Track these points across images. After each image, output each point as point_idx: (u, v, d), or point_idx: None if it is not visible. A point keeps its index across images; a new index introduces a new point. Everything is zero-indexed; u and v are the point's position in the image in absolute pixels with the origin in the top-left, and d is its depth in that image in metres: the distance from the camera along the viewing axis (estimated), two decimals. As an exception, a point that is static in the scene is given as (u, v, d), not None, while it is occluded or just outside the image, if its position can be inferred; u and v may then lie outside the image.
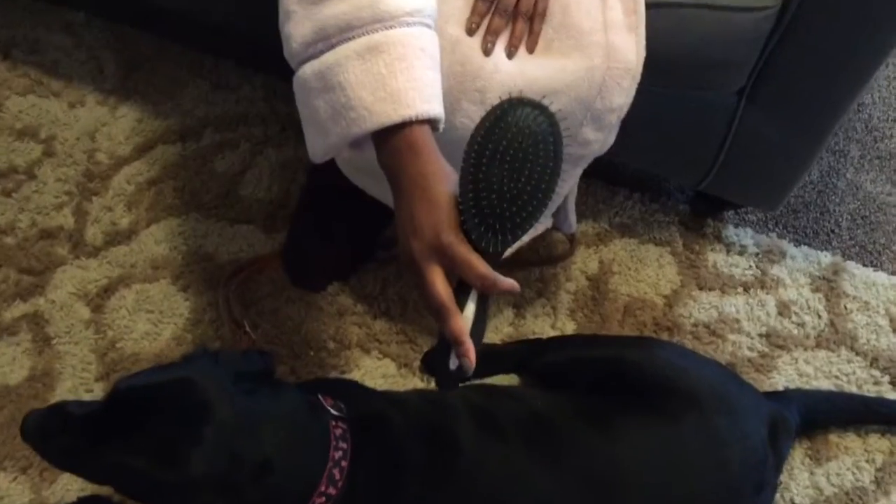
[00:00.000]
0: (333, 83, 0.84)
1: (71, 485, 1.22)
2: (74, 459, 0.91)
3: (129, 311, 1.39)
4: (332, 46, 0.84)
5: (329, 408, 1.01)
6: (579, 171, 1.18)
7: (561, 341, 1.31)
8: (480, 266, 0.80)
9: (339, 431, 0.98)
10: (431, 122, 0.85)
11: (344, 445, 0.98)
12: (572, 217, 1.32)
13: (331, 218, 1.37)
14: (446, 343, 0.82)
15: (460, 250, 0.79)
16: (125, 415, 0.88)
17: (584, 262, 1.45)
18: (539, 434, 1.07)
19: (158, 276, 1.42)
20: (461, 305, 0.82)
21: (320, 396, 1.02)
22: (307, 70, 0.87)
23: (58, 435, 0.90)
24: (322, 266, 1.41)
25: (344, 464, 0.96)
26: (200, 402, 0.89)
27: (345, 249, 1.41)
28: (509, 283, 0.81)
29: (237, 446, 0.88)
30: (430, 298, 0.81)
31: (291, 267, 1.41)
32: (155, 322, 1.38)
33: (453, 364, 0.83)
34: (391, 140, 0.83)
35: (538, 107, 0.81)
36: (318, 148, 0.89)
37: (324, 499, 0.94)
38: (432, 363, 1.11)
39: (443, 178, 0.82)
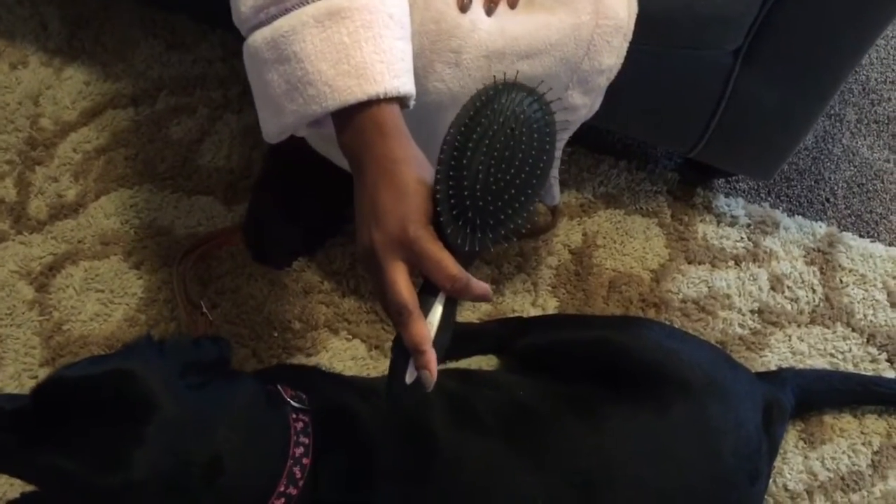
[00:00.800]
0: (288, 53, 0.74)
1: (14, 480, 1.13)
2: (3, 459, 0.81)
3: (76, 291, 1.28)
4: (287, 10, 0.75)
5: (289, 399, 0.93)
6: (564, 139, 1.09)
7: (542, 322, 1.23)
8: (451, 266, 0.71)
9: (300, 425, 0.90)
10: (401, 100, 0.75)
11: (305, 440, 0.89)
12: (555, 188, 1.23)
13: (295, 189, 1.28)
14: (404, 351, 0.73)
15: (429, 246, 0.70)
16: (57, 412, 0.79)
17: (567, 234, 1.36)
18: (521, 425, 0.99)
19: (109, 252, 1.32)
20: (425, 310, 0.73)
21: (279, 387, 0.94)
22: (258, 38, 0.77)
23: None
24: (286, 241, 1.31)
25: (305, 461, 0.88)
26: (141, 397, 0.79)
27: (311, 223, 1.31)
28: (483, 287, 0.73)
29: (184, 445, 0.80)
30: (391, 298, 0.71)
31: (253, 242, 1.32)
32: (105, 302, 1.28)
33: (410, 377, 0.73)
34: (355, 119, 0.73)
35: (532, 93, 0.72)
36: (271, 127, 0.79)
37: (283, 500, 0.86)
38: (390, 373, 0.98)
39: (413, 163, 0.73)
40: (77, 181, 1.38)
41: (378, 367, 1.25)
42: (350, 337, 1.27)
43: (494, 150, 0.70)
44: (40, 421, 0.78)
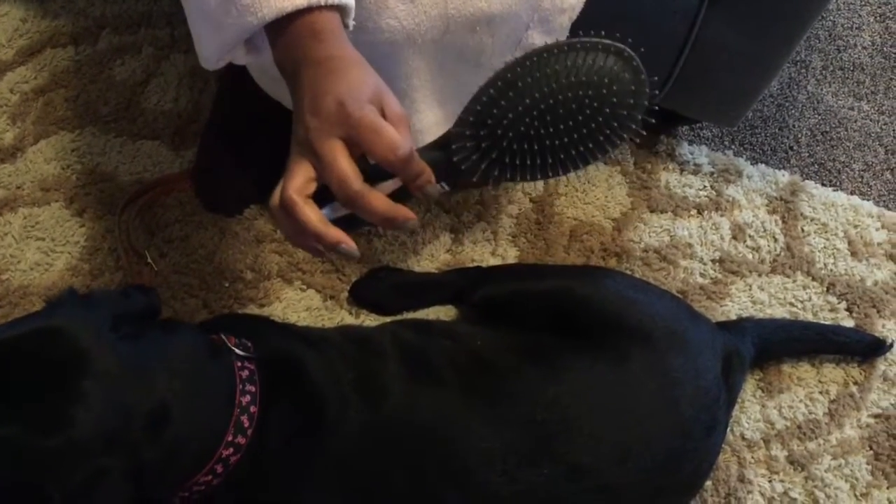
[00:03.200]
0: None
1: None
2: None
3: (15, 239, 1.22)
4: None
5: (233, 347, 0.89)
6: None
7: (502, 271, 1.20)
8: (394, 135, 0.66)
9: (245, 373, 0.87)
10: (340, 10, 0.71)
11: (252, 388, 0.86)
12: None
13: (246, 133, 1.23)
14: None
15: (370, 116, 0.66)
16: None
17: (529, 183, 1.33)
18: (478, 376, 0.97)
19: (49, 198, 1.26)
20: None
21: (222, 336, 0.90)
22: None
23: None
24: (237, 187, 1.26)
25: (253, 409, 0.85)
26: (72, 353, 0.75)
27: (262, 169, 1.25)
28: (423, 165, 0.69)
29: (124, 398, 0.76)
30: (334, 179, 0.66)
31: (202, 189, 1.27)
32: (46, 251, 1.22)
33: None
34: (290, 30, 0.69)
35: (637, 73, 0.71)
36: (208, 48, 0.75)
37: (231, 450, 0.83)
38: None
39: (357, 62, 0.69)
40: (14, 124, 1.31)
41: (333, 318, 1.21)
42: (304, 287, 1.23)
43: (553, 99, 0.67)
44: None
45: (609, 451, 0.94)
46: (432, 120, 1.02)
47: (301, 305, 1.22)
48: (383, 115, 0.69)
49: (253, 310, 1.21)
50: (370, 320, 1.21)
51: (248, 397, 0.86)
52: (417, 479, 0.91)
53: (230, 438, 0.83)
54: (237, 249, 1.24)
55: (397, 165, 0.67)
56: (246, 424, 0.84)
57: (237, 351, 0.89)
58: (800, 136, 1.41)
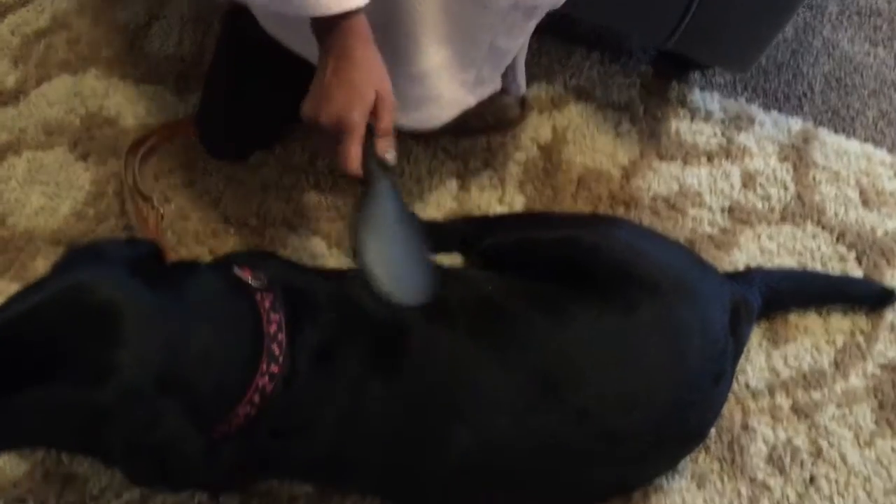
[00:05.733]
0: None
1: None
2: None
3: (20, 183, 1.22)
4: None
5: (250, 280, 0.89)
6: (532, 26, 1.03)
7: (509, 220, 1.19)
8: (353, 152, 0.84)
9: (267, 303, 0.87)
10: None
11: (276, 317, 0.86)
12: (521, 78, 1.17)
13: (250, 77, 1.21)
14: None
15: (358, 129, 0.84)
16: (17, 353, 0.72)
17: (536, 129, 1.31)
18: (488, 320, 0.96)
19: (53, 142, 1.25)
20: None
21: (237, 270, 0.90)
22: None
23: None
24: (241, 133, 1.25)
25: (281, 337, 0.85)
26: (101, 304, 0.74)
27: (267, 114, 1.25)
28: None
29: (166, 336, 0.75)
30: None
31: (206, 134, 1.26)
32: (51, 195, 1.22)
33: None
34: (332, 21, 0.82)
35: None
36: None
37: (267, 378, 0.83)
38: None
39: (374, 65, 0.86)
40: (16, 66, 1.30)
41: (338, 264, 1.21)
42: (309, 234, 1.22)
43: None
44: (3, 370, 0.72)
45: (615, 399, 0.94)
46: (438, 61, 1.00)
47: (306, 252, 1.21)
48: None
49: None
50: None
51: (274, 326, 0.85)
52: (429, 408, 0.91)
53: (265, 368, 0.83)
54: (242, 196, 1.23)
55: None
56: (277, 352, 0.84)
57: (254, 283, 0.88)
58: (814, 82, 1.38)
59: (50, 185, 1.22)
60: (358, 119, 0.83)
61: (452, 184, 1.27)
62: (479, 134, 1.30)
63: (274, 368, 0.84)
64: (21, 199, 1.21)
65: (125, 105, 1.27)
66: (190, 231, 1.20)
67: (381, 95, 0.85)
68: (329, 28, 0.83)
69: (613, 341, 0.95)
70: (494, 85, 1.14)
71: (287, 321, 0.87)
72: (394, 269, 0.86)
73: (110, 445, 0.74)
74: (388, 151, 0.87)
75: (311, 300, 0.92)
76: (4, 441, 0.78)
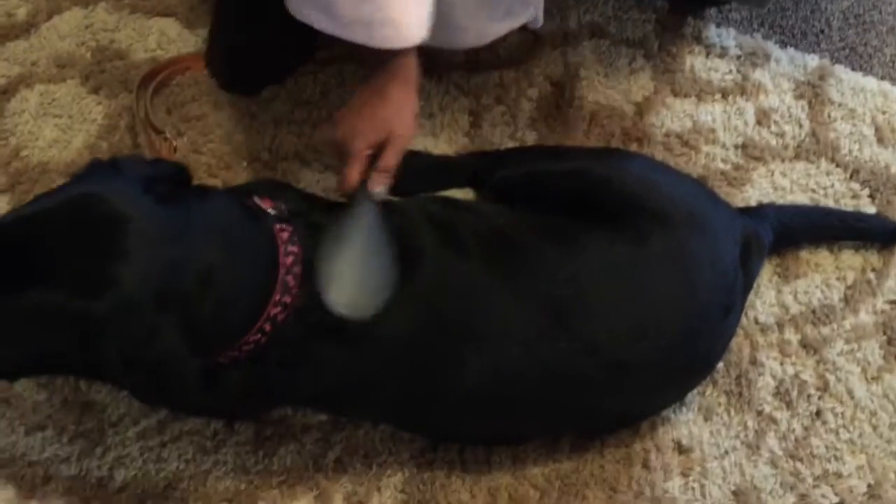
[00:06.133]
0: None
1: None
2: None
3: (32, 116, 1.22)
4: None
5: (270, 210, 0.89)
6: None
7: (520, 153, 1.19)
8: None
9: (285, 235, 0.87)
10: None
11: (294, 249, 0.87)
12: (539, 11, 1.15)
13: (262, 8, 1.19)
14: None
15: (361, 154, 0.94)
16: (24, 254, 0.74)
17: (549, 65, 1.30)
18: (500, 250, 0.97)
19: (65, 75, 1.24)
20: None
21: (257, 199, 0.90)
22: None
23: None
24: (253, 67, 1.24)
25: (297, 269, 0.86)
26: (110, 215, 0.75)
27: (279, 47, 1.24)
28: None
29: (169, 254, 0.76)
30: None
31: (218, 68, 1.25)
32: (64, 128, 1.22)
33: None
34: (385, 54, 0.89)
35: None
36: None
37: (279, 308, 0.84)
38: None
39: (408, 106, 0.95)
40: (27, -1, 1.29)
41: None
42: (322, 168, 1.22)
43: None
44: (7, 270, 0.74)
45: (625, 329, 0.95)
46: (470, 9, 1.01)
47: (319, 187, 1.21)
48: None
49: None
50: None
51: (291, 258, 0.86)
52: (441, 335, 0.92)
53: (277, 298, 0.84)
54: (254, 130, 1.23)
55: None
56: (291, 284, 0.85)
57: (274, 213, 0.89)
58: (832, 19, 1.36)
59: (63, 118, 1.22)
60: (360, 149, 0.92)
61: (464, 119, 1.26)
62: (491, 69, 1.29)
63: (287, 299, 0.85)
64: (34, 132, 1.21)
65: (136, 38, 1.27)
66: (202, 164, 1.20)
67: (396, 135, 0.93)
68: (379, 60, 0.91)
69: (624, 271, 0.96)
70: (523, 17, 1.13)
71: (305, 255, 0.87)
72: (346, 287, 0.88)
73: (108, 359, 0.75)
74: (379, 186, 0.94)
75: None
76: (7, 345, 0.79)
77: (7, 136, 1.21)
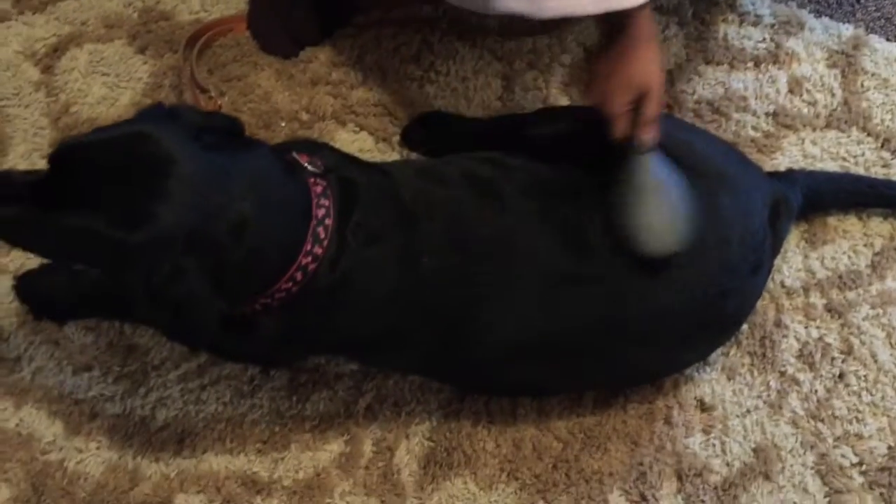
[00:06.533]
0: None
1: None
2: (24, 231, 0.82)
3: (82, 74, 1.27)
4: None
5: (306, 165, 0.93)
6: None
7: (551, 112, 1.21)
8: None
9: (319, 189, 0.91)
10: None
11: (326, 203, 0.90)
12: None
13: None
14: None
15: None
16: (75, 177, 0.79)
17: (582, 31, 1.32)
18: (537, 201, 0.99)
19: (113, 35, 1.29)
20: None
21: (295, 154, 0.94)
22: None
23: (2, 204, 0.80)
24: (293, 29, 1.28)
25: (328, 222, 0.89)
26: (158, 156, 0.79)
27: (318, 10, 1.27)
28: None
29: (206, 199, 0.80)
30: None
31: (259, 30, 1.29)
32: (111, 86, 1.26)
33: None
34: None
35: None
36: None
37: (310, 258, 0.88)
38: None
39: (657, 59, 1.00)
40: (77, -39, 1.33)
41: (385, 159, 1.25)
42: (357, 129, 1.26)
43: None
44: (59, 188, 0.79)
45: (656, 280, 0.96)
46: None
47: (354, 147, 1.25)
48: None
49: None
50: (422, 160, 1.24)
51: (322, 210, 0.89)
52: (472, 286, 0.95)
53: (308, 247, 0.87)
54: (293, 91, 1.27)
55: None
56: (322, 235, 0.88)
57: (310, 168, 0.92)
58: (868, -12, 1.36)
59: (110, 77, 1.27)
60: (622, 107, 0.97)
61: (497, 84, 1.29)
62: (525, 35, 1.31)
63: (318, 250, 0.88)
64: (83, 89, 1.26)
65: (181, 0, 1.31)
66: (244, 123, 1.24)
67: (651, 88, 0.97)
68: (617, 24, 0.97)
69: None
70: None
71: (337, 209, 0.91)
72: (657, 231, 0.96)
73: (134, 290, 0.80)
74: (650, 135, 0.97)
75: (364, 192, 0.95)
76: (49, 251, 0.84)
77: (57, 92, 1.26)
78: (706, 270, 0.98)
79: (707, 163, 1.02)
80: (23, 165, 1.21)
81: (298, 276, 0.88)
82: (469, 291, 0.96)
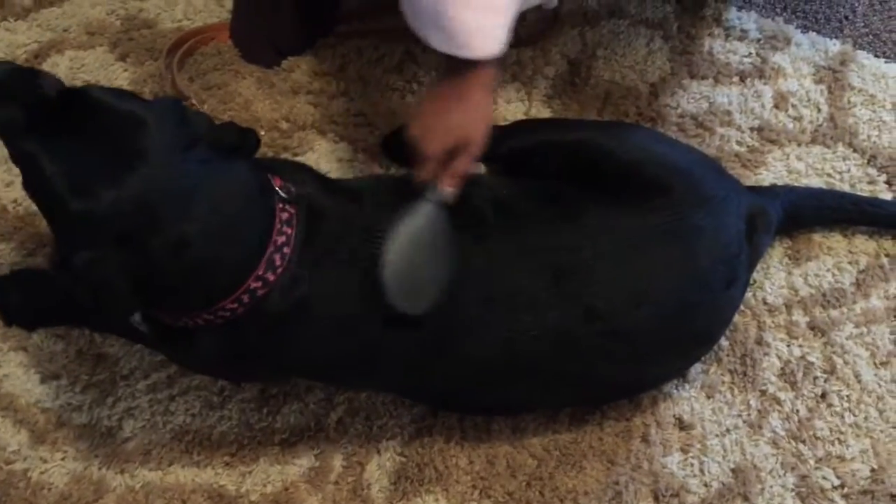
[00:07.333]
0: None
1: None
2: (7, 132, 0.82)
3: (63, 79, 1.26)
4: None
5: (277, 189, 0.91)
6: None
7: (529, 125, 1.20)
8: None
9: (285, 216, 0.89)
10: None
11: (289, 230, 0.89)
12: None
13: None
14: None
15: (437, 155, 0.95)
16: (71, 121, 0.79)
17: (566, 43, 1.31)
18: (501, 221, 0.98)
19: (94, 42, 1.29)
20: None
21: (270, 177, 0.92)
22: None
23: (8, 101, 0.80)
24: (275, 38, 1.28)
25: (287, 250, 0.88)
26: (138, 148, 0.79)
27: (300, 20, 1.27)
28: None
29: (153, 212, 0.79)
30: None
31: (241, 39, 1.29)
32: (91, 93, 1.26)
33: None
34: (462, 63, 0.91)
35: None
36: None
37: (260, 283, 0.87)
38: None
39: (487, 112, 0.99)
40: (61, -31, 1.33)
41: (364, 169, 1.23)
42: (338, 139, 1.25)
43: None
44: (54, 117, 0.79)
45: (624, 297, 0.95)
46: None
47: (333, 156, 1.24)
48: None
49: (287, 159, 1.23)
50: (400, 173, 1.23)
51: (283, 238, 0.88)
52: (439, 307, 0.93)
53: (260, 273, 0.86)
54: (273, 99, 1.26)
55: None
56: (278, 262, 0.87)
57: (281, 193, 0.91)
58: (856, 4, 1.35)
59: (92, 83, 1.26)
60: (435, 151, 0.93)
61: (480, 96, 1.27)
62: (508, 47, 1.30)
63: (270, 276, 0.87)
64: (63, 96, 1.26)
65: (163, 8, 1.31)
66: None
67: (470, 142, 0.94)
68: (459, 67, 0.91)
69: (624, 240, 0.96)
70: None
71: (301, 237, 0.90)
72: (406, 283, 0.91)
73: (62, 253, 0.80)
74: (450, 188, 0.95)
75: (331, 222, 0.94)
76: (14, 160, 0.84)
77: (37, 98, 1.25)
78: (676, 285, 0.96)
79: (678, 175, 1.00)
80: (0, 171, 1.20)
81: (245, 298, 0.87)
82: (434, 317, 0.94)
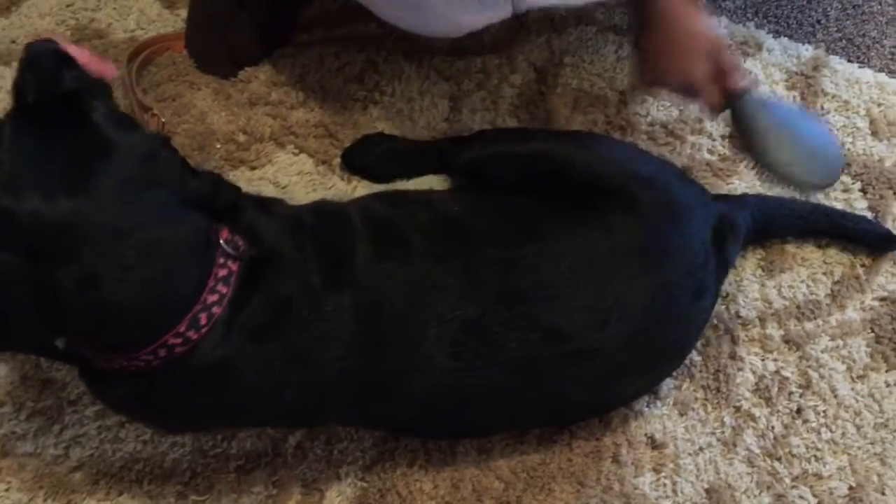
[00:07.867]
0: None
1: None
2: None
3: (9, 94, 1.21)
4: None
5: (223, 243, 0.85)
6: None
7: (488, 134, 1.16)
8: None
9: (223, 273, 0.84)
10: None
11: (223, 289, 0.83)
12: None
13: (241, -9, 1.19)
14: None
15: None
16: (60, 120, 0.77)
17: (533, 51, 1.28)
18: (450, 242, 0.93)
19: (43, 54, 1.24)
20: None
21: (217, 227, 0.86)
22: None
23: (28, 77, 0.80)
24: (231, 48, 1.24)
25: (216, 310, 0.83)
26: (92, 174, 0.75)
27: (257, 28, 1.23)
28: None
29: (77, 236, 0.74)
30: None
31: (196, 49, 1.25)
32: (39, 106, 1.21)
33: None
34: None
35: None
36: None
37: (180, 340, 0.81)
38: None
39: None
40: (8, -22, 1.29)
41: (325, 182, 1.19)
42: (297, 151, 1.21)
43: None
44: (48, 111, 0.77)
45: (588, 315, 0.91)
46: None
47: (293, 169, 1.19)
48: None
49: (245, 172, 1.19)
50: (362, 187, 1.19)
51: (215, 297, 0.83)
52: (386, 337, 0.89)
53: (181, 330, 0.81)
54: (230, 111, 1.22)
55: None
56: (203, 322, 0.82)
57: (226, 248, 0.85)
58: (829, 9, 1.32)
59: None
60: (703, 79, 0.95)
61: (444, 105, 1.24)
62: (474, 55, 1.27)
63: (193, 335, 0.82)
64: (11, 109, 1.21)
65: (115, 18, 1.26)
66: (177, 145, 1.17)
67: (714, 44, 0.96)
68: (650, 11, 0.96)
69: (585, 255, 0.92)
70: (499, 12, 1.09)
71: (233, 297, 0.84)
72: (806, 162, 0.97)
73: None
74: (745, 80, 0.97)
75: (271, 281, 0.87)
76: None
77: (-16, 113, 1.21)
78: (641, 300, 0.92)
79: (641, 186, 0.96)
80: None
81: (162, 352, 0.82)
82: (388, 351, 0.89)
